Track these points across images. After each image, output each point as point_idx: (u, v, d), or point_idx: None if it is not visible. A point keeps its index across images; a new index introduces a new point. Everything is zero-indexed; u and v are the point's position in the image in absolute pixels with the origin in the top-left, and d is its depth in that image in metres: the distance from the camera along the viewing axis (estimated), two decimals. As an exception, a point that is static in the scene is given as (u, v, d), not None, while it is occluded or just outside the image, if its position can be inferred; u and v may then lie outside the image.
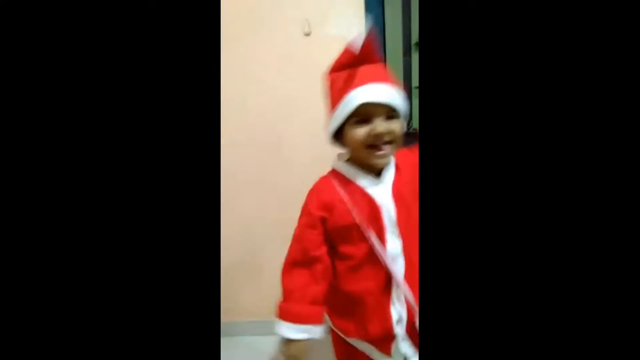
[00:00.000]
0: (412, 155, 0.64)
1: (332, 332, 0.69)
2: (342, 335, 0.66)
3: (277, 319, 0.60)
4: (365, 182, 0.60)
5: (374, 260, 0.59)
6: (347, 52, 0.58)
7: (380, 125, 0.55)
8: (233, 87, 1.03)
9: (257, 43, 1.04)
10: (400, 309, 0.60)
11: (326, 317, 0.65)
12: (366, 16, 1.03)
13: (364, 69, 0.57)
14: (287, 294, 0.61)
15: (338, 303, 0.63)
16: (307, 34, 1.03)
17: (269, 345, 1.13)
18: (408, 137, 0.63)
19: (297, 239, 0.62)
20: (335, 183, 0.61)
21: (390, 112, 0.57)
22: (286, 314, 0.59)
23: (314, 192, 0.64)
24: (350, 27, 1.01)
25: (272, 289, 0.91)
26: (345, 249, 0.61)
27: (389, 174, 0.61)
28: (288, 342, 0.59)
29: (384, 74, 0.58)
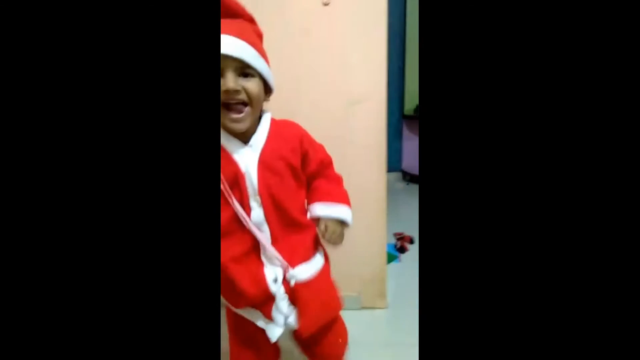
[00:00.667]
0: (296, 128, 0.65)
1: (227, 309, 0.68)
2: (233, 309, 0.66)
3: None
4: (231, 147, 0.59)
5: (239, 226, 0.59)
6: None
7: (230, 80, 0.53)
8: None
9: (275, 13, 1.01)
10: (274, 269, 0.61)
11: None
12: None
13: (226, 24, 0.53)
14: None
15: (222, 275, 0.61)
16: (326, 4, 0.99)
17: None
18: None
19: None
20: None
21: (244, 69, 0.55)
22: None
23: None
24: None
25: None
26: None
27: (259, 140, 0.60)
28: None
29: (244, 30, 0.55)
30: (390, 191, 1.12)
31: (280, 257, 0.61)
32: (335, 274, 1.20)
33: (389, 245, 1.63)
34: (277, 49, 1.02)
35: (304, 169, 0.66)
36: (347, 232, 1.15)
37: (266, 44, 0.99)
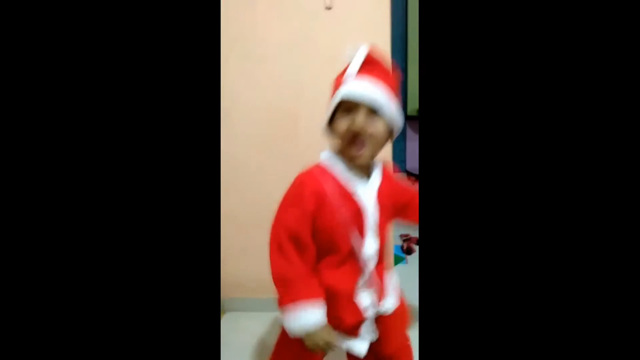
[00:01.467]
0: (394, 179, 0.70)
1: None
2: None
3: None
4: (354, 182, 0.62)
5: (353, 258, 0.62)
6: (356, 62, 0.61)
7: (359, 117, 0.57)
8: (250, 63, 1.02)
9: (278, 16, 1.01)
10: (370, 295, 0.64)
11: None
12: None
13: (366, 70, 0.59)
14: (290, 279, 0.60)
15: None
16: (329, 8, 0.99)
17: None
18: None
19: (295, 222, 0.60)
20: (323, 179, 0.62)
21: (372, 110, 0.58)
22: (296, 299, 0.58)
23: (305, 186, 0.61)
24: (373, 1, 0.97)
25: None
26: (329, 245, 0.62)
27: (376, 178, 0.65)
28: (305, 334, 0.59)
29: (382, 78, 0.60)
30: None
31: (375, 290, 0.65)
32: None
33: (395, 246, 1.63)
34: (279, 52, 1.02)
35: (399, 206, 0.71)
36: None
37: (267, 46, 0.99)
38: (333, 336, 0.60)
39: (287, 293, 0.58)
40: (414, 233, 1.74)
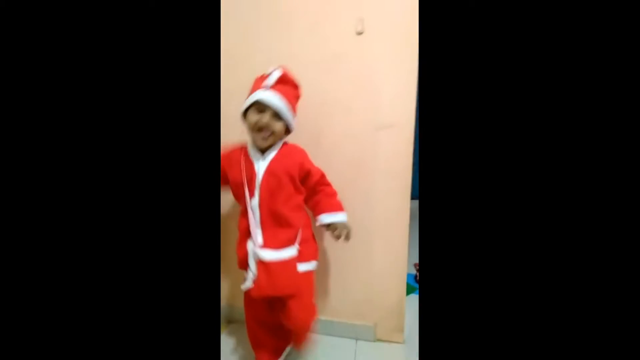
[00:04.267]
0: (300, 154, 0.96)
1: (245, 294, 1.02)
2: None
3: None
4: (255, 155, 0.93)
5: (247, 209, 0.92)
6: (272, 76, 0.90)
7: (265, 117, 0.88)
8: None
9: (308, 39, 1.05)
10: (252, 244, 0.91)
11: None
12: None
13: (277, 86, 0.89)
14: None
15: None
16: (360, 33, 1.01)
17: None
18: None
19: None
20: (240, 150, 0.96)
21: (276, 114, 0.89)
22: None
23: (227, 150, 0.98)
24: (405, 26, 0.98)
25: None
26: (237, 195, 0.96)
27: (271, 153, 0.93)
28: None
29: (287, 91, 0.91)
30: (413, 219, 1.09)
31: (257, 237, 0.91)
32: (351, 301, 1.17)
33: (408, 275, 1.57)
34: (308, 73, 1.05)
35: (304, 182, 0.96)
36: (366, 260, 1.13)
37: (298, 67, 1.02)
38: None
39: None
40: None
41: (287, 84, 0.92)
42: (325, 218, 0.96)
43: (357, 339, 1.19)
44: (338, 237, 0.95)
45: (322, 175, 0.98)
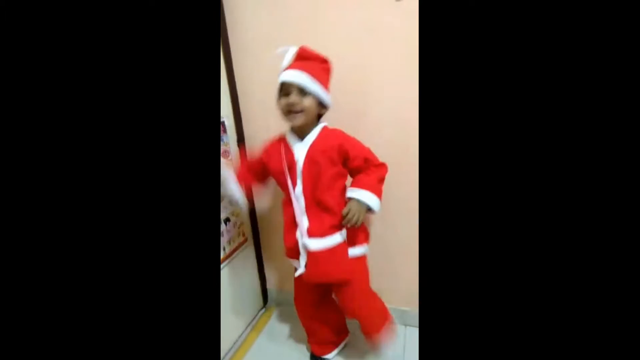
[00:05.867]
0: (339, 134, 0.91)
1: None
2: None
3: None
4: (293, 141, 0.91)
5: (292, 196, 0.91)
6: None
7: (292, 97, 0.84)
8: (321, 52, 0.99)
9: (346, 7, 0.98)
10: (300, 233, 0.90)
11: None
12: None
13: (295, 63, 0.86)
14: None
15: None
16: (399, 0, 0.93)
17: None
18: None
19: (245, 162, 1.05)
20: (277, 140, 0.96)
21: (303, 90, 0.84)
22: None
23: (264, 144, 0.98)
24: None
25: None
26: (279, 184, 0.95)
27: (310, 138, 0.89)
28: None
29: (309, 66, 0.85)
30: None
31: (303, 225, 0.89)
32: (400, 287, 1.13)
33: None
34: (345, 43, 0.99)
35: (347, 164, 0.90)
36: (415, 245, 1.07)
37: (332, 38, 0.97)
38: (239, 197, 0.96)
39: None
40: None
41: (308, 59, 0.87)
42: (348, 192, 0.88)
43: (406, 325, 1.16)
44: (344, 220, 0.86)
45: (366, 159, 0.89)
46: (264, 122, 1.13)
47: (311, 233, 0.88)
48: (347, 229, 0.90)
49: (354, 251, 0.92)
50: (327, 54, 0.90)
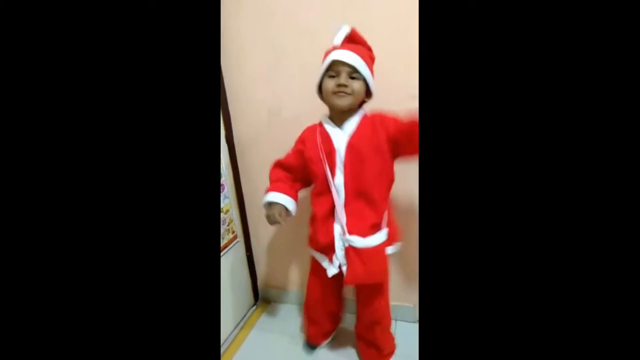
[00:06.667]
0: (380, 120, 0.82)
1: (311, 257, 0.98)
2: (311, 251, 0.95)
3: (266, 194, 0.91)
4: (330, 130, 0.85)
5: (327, 188, 0.84)
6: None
7: (342, 76, 0.79)
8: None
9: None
10: (340, 227, 0.84)
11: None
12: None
13: (346, 45, 0.80)
14: (273, 180, 0.93)
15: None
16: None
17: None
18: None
19: (288, 155, 0.93)
20: (314, 129, 0.89)
21: (353, 73, 0.79)
22: (270, 188, 0.91)
23: (301, 134, 0.92)
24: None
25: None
26: (313, 173, 0.87)
27: (351, 126, 0.83)
28: (268, 205, 0.90)
29: (359, 50, 0.80)
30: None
31: (344, 220, 0.83)
32: (391, 283, 1.13)
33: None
34: (383, 23, 0.94)
35: (391, 139, 0.81)
36: (407, 242, 1.07)
37: (370, 17, 0.91)
38: (282, 217, 0.88)
39: (270, 185, 0.93)
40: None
41: (358, 43, 0.81)
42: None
43: (396, 320, 1.17)
44: None
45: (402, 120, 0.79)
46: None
47: (354, 228, 0.82)
48: (388, 227, 0.86)
49: (391, 249, 0.89)
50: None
